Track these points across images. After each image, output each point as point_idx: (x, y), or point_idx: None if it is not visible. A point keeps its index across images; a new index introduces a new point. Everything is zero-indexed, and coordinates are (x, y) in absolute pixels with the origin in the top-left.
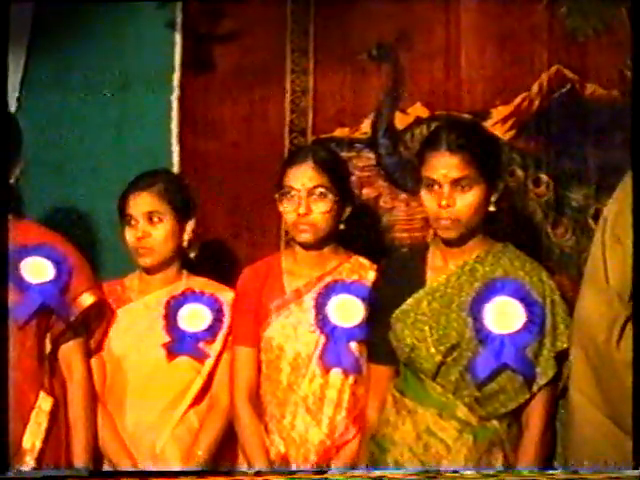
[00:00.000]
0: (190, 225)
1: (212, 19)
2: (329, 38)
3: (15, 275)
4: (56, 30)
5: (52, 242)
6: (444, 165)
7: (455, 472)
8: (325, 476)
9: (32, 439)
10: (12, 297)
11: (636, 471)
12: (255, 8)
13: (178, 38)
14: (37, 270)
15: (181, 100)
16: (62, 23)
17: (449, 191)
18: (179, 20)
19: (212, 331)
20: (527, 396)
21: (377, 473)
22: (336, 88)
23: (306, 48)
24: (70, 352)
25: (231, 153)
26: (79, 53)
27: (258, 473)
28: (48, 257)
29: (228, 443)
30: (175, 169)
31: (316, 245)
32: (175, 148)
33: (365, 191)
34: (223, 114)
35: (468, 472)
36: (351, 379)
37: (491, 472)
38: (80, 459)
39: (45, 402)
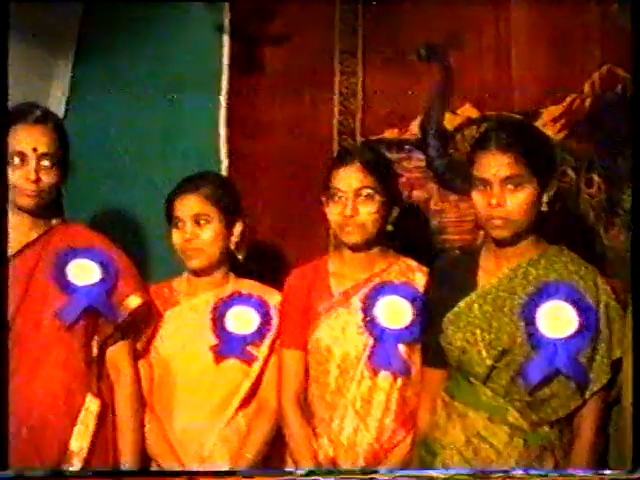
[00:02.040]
0: (238, 227)
1: (260, 21)
2: (378, 39)
3: (61, 278)
4: (105, 33)
5: (99, 245)
6: (494, 164)
7: (505, 472)
8: (372, 476)
9: (79, 441)
10: (59, 299)
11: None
12: (303, 9)
13: (226, 40)
14: (84, 272)
15: (230, 102)
16: (110, 26)
17: (499, 190)
18: (227, 22)
19: (260, 334)
20: (579, 402)
21: (425, 474)
22: (385, 89)
23: (355, 49)
24: (117, 354)
25: (280, 155)
26: (128, 56)
27: (311, 473)
28: (95, 259)
29: (276, 446)
30: (224, 171)
31: (363, 247)
32: (224, 150)
33: (415, 193)
34: (272, 116)
35: (517, 473)
36: (399, 382)
37: (541, 473)
38: (127, 461)
39: (93, 404)
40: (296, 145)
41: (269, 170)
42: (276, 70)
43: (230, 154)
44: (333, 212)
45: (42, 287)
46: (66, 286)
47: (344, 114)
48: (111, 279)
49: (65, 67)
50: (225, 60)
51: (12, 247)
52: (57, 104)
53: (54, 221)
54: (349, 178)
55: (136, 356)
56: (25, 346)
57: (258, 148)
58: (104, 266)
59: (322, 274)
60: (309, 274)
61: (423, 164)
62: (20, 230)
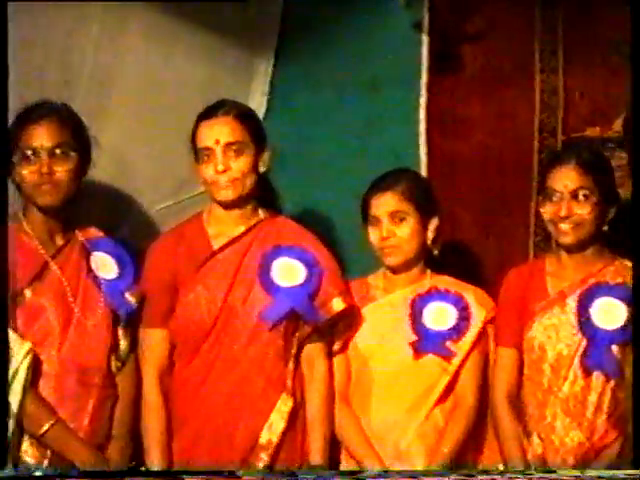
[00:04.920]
0: (433, 223)
1: (459, 19)
2: (578, 35)
3: (266, 277)
4: (304, 32)
5: (306, 243)
6: None
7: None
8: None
9: (269, 436)
10: (262, 299)
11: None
12: (502, 6)
13: (425, 38)
14: (289, 272)
15: (428, 100)
16: (311, 24)
17: None
18: (426, 20)
19: (458, 330)
20: None
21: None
22: (586, 86)
23: (555, 46)
24: (313, 352)
25: (479, 153)
26: (327, 54)
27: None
28: (300, 259)
29: (472, 441)
30: (423, 169)
31: (579, 247)
32: (423, 148)
33: (619, 191)
34: (471, 114)
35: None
36: (612, 382)
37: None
38: (316, 457)
39: (286, 402)
40: (496, 143)
41: (468, 168)
42: (475, 68)
43: (429, 152)
44: (548, 212)
45: (247, 284)
46: (270, 286)
47: (545, 112)
48: (315, 281)
49: (265, 66)
50: (424, 58)
51: (218, 240)
52: (258, 103)
53: (262, 214)
54: (565, 178)
55: (332, 354)
56: (225, 342)
57: (457, 146)
58: (309, 266)
59: (539, 274)
60: (526, 274)
61: (626, 162)
62: (227, 223)
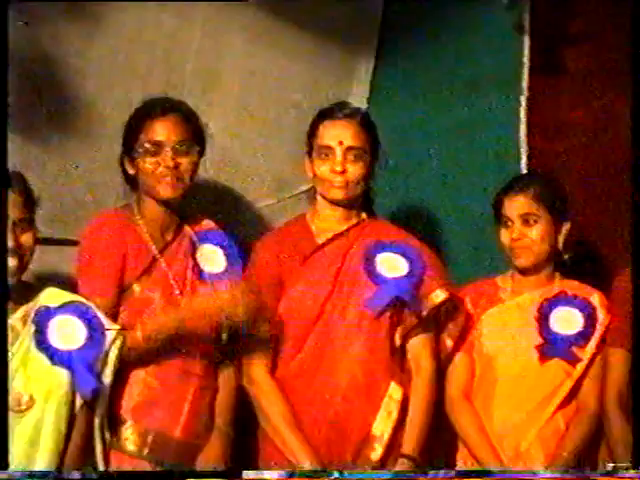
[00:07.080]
0: (565, 227)
1: (561, 21)
2: None
3: (371, 268)
4: (405, 32)
5: (407, 240)
6: None
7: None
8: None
9: (382, 427)
10: (368, 289)
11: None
12: (605, 9)
13: (527, 40)
14: (392, 265)
15: (530, 103)
16: (411, 26)
17: None
18: (527, 22)
19: (585, 335)
20: None
21: None
22: None
23: None
24: (418, 346)
25: (581, 157)
26: (428, 55)
27: None
28: (402, 254)
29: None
30: (523, 171)
31: None
32: (524, 150)
33: None
34: (573, 117)
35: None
36: None
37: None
38: (408, 448)
39: (396, 392)
40: (598, 147)
41: (569, 171)
42: (578, 70)
43: (530, 154)
44: None
45: (352, 276)
46: (375, 276)
47: None
48: (418, 273)
49: (366, 68)
50: (525, 60)
51: (323, 236)
52: (359, 104)
53: (364, 215)
54: None
55: (437, 349)
56: (331, 334)
57: (559, 149)
58: (411, 260)
59: None
60: None
61: None
62: (331, 221)
